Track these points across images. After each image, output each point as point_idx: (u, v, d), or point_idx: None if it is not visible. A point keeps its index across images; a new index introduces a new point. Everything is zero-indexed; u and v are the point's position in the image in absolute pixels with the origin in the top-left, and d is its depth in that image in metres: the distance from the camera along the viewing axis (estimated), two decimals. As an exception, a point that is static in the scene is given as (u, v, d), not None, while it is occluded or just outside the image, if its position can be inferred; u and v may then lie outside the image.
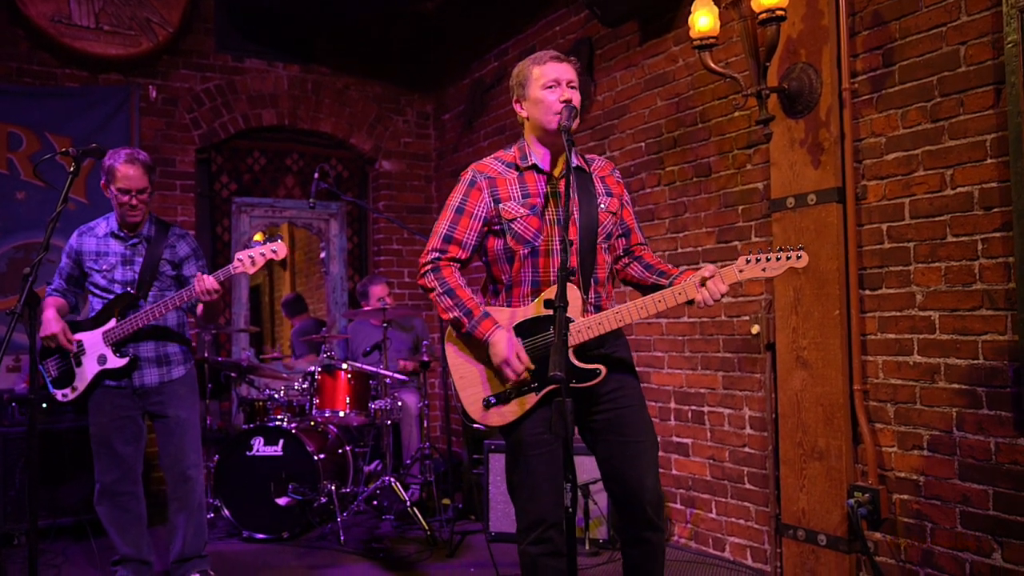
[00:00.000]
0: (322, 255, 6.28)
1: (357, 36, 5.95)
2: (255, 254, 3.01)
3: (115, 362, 3.16)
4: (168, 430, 3.28)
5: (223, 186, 5.69)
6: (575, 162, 2.32)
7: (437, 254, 2.34)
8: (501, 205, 2.31)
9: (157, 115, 5.27)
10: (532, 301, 2.32)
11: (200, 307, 3.28)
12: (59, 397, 3.22)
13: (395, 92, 6.18)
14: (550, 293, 2.25)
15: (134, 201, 3.18)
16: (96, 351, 3.18)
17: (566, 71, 2.33)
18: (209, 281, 3.00)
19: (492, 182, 2.34)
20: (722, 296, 2.20)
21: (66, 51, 4.95)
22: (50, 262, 3.91)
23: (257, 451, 4.23)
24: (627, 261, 2.48)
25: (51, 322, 3.16)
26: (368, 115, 6.06)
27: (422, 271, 2.36)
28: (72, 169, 2.65)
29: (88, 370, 3.18)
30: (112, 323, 3.16)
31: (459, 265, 2.37)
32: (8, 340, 2.28)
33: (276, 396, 4.57)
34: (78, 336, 3.19)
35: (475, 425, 2.33)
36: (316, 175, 4.32)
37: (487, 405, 2.28)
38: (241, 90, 5.58)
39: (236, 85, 5.57)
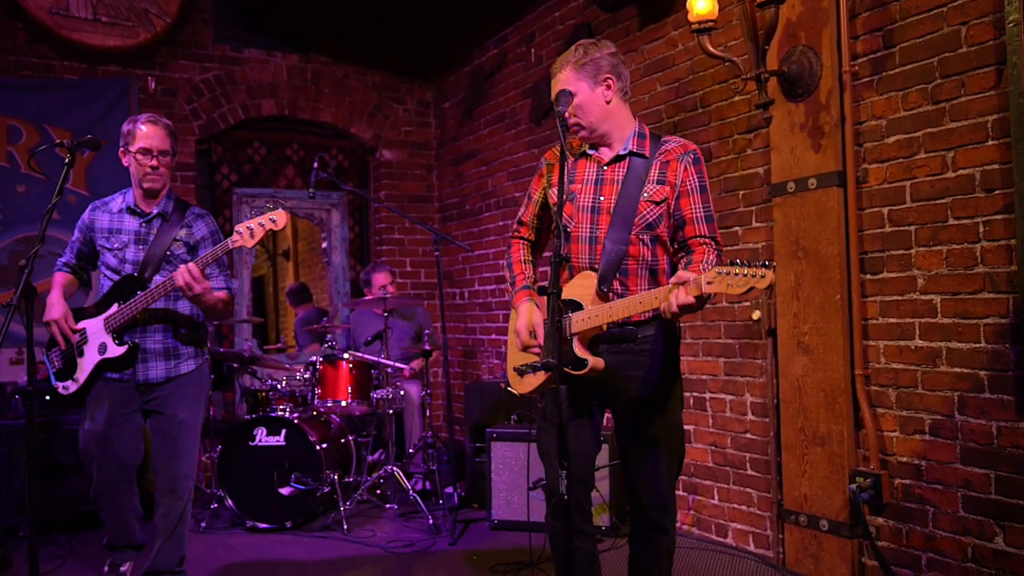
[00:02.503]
0: (324, 245, 6.28)
1: (356, 24, 5.92)
2: (253, 225, 2.78)
3: (114, 351, 2.92)
4: (164, 430, 3.00)
5: (224, 177, 5.69)
6: (631, 147, 2.34)
7: (512, 233, 2.58)
8: (550, 191, 2.43)
9: (156, 106, 5.26)
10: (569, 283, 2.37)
11: None
12: (60, 390, 3.01)
13: (395, 81, 6.16)
14: (575, 279, 2.31)
15: (155, 162, 2.94)
16: (97, 339, 2.95)
17: (557, 85, 2.35)
18: (183, 273, 2.75)
19: (551, 168, 2.45)
20: (683, 307, 2.00)
21: (64, 43, 4.94)
22: (49, 255, 3.94)
23: (260, 441, 4.24)
24: (682, 255, 2.32)
25: (53, 306, 2.96)
26: (368, 104, 6.04)
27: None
28: (67, 160, 2.59)
29: (89, 360, 2.95)
30: (114, 308, 2.93)
31: (529, 244, 2.55)
32: (5, 332, 2.27)
33: (278, 386, 4.58)
34: (82, 324, 2.98)
35: (510, 390, 2.44)
36: (315, 165, 4.31)
37: (518, 373, 2.33)
38: (240, 80, 5.57)
39: (235, 75, 5.55)
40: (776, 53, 3.25)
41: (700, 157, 2.36)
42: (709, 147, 3.79)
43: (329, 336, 4.79)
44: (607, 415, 2.52)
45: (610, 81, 2.34)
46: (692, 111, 3.87)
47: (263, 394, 4.59)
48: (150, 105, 5.23)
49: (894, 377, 3.00)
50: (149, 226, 3.03)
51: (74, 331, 2.97)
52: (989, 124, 2.69)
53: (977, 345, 2.74)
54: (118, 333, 2.93)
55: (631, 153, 2.34)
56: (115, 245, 3.00)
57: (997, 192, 2.67)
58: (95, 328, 2.96)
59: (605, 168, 2.35)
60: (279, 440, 4.23)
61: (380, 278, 5.10)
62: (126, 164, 3.00)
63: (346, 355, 4.49)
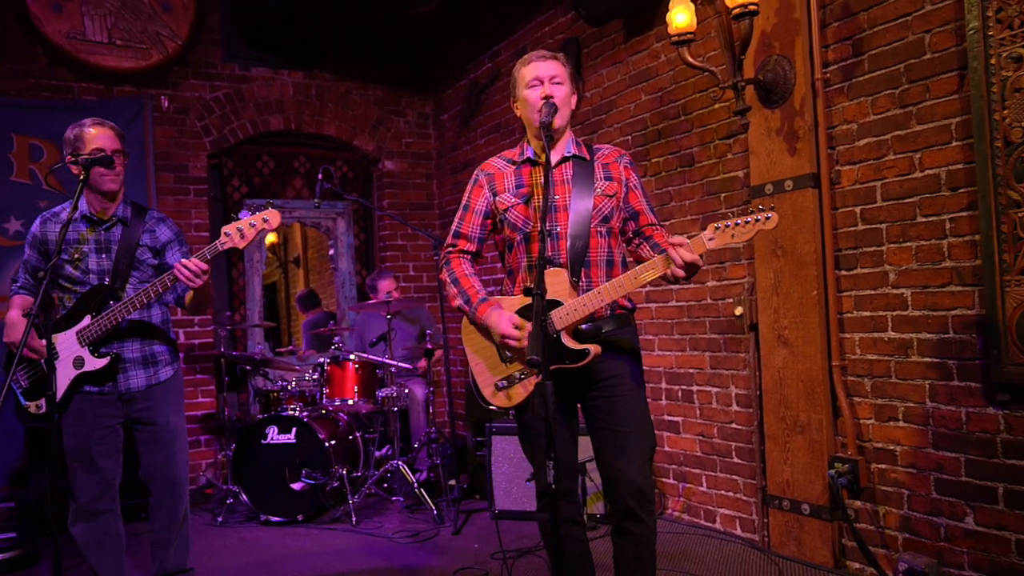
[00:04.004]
0: (331, 252, 6.48)
1: (357, 41, 6.11)
2: (243, 226, 2.66)
3: (94, 363, 2.80)
4: (155, 439, 2.94)
5: (235, 189, 5.89)
6: (572, 151, 2.47)
7: (449, 248, 2.55)
8: (497, 197, 2.48)
9: (170, 124, 5.48)
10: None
11: (188, 295, 2.94)
12: (32, 410, 2.87)
13: (395, 95, 6.35)
14: (532, 280, 2.33)
15: (113, 161, 2.81)
16: (71, 353, 2.81)
17: (548, 68, 2.43)
18: (194, 265, 2.65)
19: (491, 178, 2.52)
20: (690, 264, 2.13)
21: (82, 66, 5.16)
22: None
23: (272, 439, 4.42)
24: (638, 242, 2.49)
25: (15, 325, 2.85)
26: (370, 117, 6.24)
27: (440, 264, 2.58)
28: (82, 177, 2.67)
29: (63, 376, 2.79)
30: (87, 320, 2.81)
31: (470, 257, 2.55)
32: (23, 341, 2.38)
33: (289, 387, 4.77)
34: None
35: (489, 407, 2.43)
36: (320, 176, 4.50)
37: (497, 388, 2.40)
38: (248, 97, 5.78)
39: (243, 93, 5.76)
40: (752, 62, 3.38)
41: (631, 160, 2.57)
42: (692, 152, 3.93)
43: (337, 338, 4.98)
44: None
45: (575, 90, 2.52)
46: (675, 119, 4.01)
47: (274, 394, 4.78)
48: (164, 123, 5.45)
49: (869, 367, 3.11)
50: (109, 233, 2.90)
51: (38, 349, 2.82)
52: (953, 126, 2.79)
53: (946, 336, 2.85)
54: (96, 345, 2.82)
55: (573, 156, 2.48)
56: (74, 256, 2.86)
57: (962, 190, 2.77)
58: (66, 342, 2.83)
59: (553, 170, 2.44)
60: (290, 438, 4.42)
61: (385, 284, 5.31)
62: (77, 172, 2.76)
63: (352, 356, 4.67)
